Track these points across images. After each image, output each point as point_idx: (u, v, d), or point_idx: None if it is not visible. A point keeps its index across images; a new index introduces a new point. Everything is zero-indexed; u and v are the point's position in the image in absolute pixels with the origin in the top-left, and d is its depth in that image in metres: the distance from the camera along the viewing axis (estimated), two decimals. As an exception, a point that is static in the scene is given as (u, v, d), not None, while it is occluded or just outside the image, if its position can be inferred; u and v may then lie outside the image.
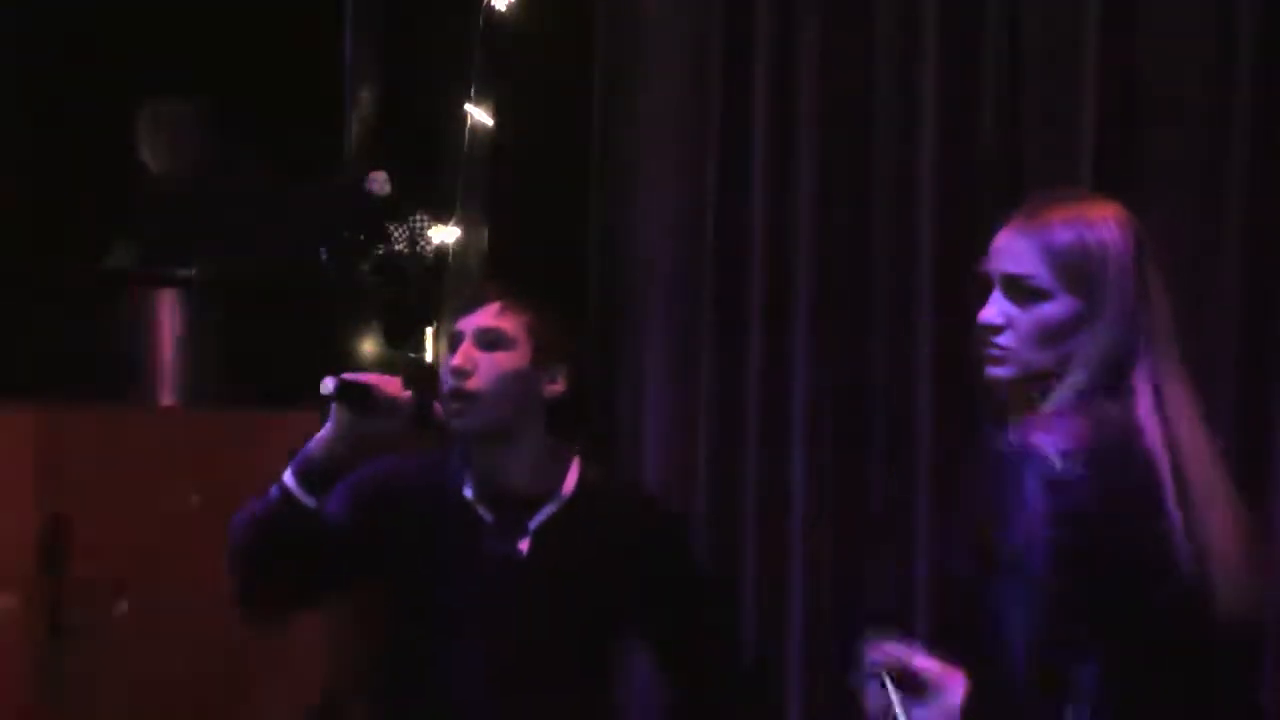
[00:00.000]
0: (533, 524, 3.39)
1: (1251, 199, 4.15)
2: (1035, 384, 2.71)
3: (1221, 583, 2.64)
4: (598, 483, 3.46)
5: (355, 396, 3.28)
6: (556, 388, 3.42)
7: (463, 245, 4.95)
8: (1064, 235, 2.69)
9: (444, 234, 4.98)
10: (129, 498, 4.50)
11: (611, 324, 4.79)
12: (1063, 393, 2.68)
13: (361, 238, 5.15)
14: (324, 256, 5.21)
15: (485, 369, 3.37)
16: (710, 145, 4.69)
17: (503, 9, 4.86)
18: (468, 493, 3.40)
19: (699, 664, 3.55)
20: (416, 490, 3.44)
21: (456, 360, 3.37)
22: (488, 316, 3.40)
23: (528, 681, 3.36)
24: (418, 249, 5.06)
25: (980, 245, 2.80)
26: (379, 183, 5.23)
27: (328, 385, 3.28)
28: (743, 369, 4.63)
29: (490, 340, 3.38)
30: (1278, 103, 4.17)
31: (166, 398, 4.99)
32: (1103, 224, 2.71)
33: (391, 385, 3.32)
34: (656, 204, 4.76)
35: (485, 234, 4.95)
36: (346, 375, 3.29)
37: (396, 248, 5.10)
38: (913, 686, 2.71)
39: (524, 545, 3.38)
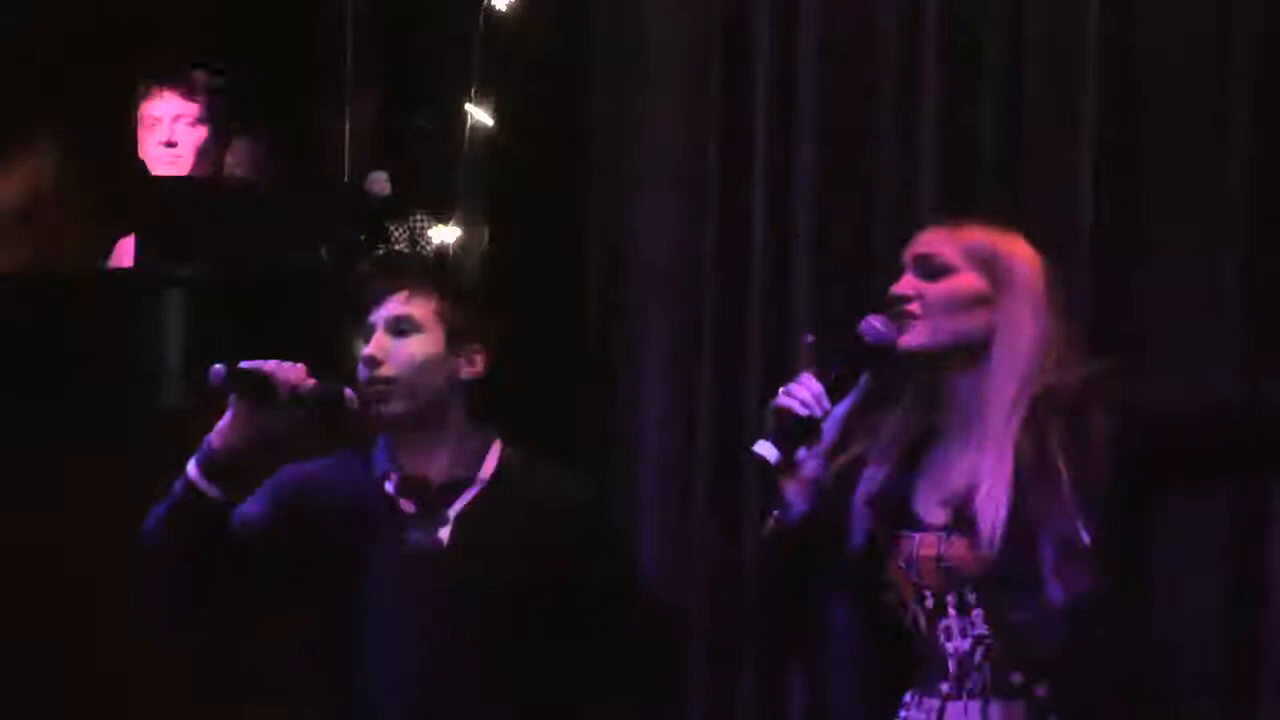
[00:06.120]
0: (452, 510, 3.39)
1: (1251, 200, 4.14)
2: (947, 361, 2.97)
3: None
4: (518, 464, 3.46)
5: (247, 385, 3.24)
6: (473, 370, 3.43)
7: (463, 245, 4.95)
8: (976, 235, 3.03)
9: (444, 234, 4.98)
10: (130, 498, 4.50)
11: (611, 324, 4.78)
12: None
13: (361, 238, 5.15)
14: (324, 256, 5.20)
15: (397, 356, 3.38)
16: (710, 145, 4.68)
17: (503, 9, 4.86)
18: (389, 487, 3.40)
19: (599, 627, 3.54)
20: (338, 489, 3.44)
21: (369, 350, 3.39)
22: (396, 304, 3.42)
23: (458, 670, 3.35)
24: (418, 249, 5.06)
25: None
26: (379, 183, 5.23)
27: (216, 375, 3.24)
28: (743, 370, 4.63)
29: (400, 327, 3.40)
30: (1278, 103, 4.16)
31: (166, 398, 4.98)
32: (1014, 241, 3.05)
33: (293, 373, 3.29)
34: (656, 204, 4.76)
35: (485, 234, 4.95)
36: (244, 363, 3.27)
37: (396, 248, 5.10)
38: None
39: (444, 533, 3.38)
